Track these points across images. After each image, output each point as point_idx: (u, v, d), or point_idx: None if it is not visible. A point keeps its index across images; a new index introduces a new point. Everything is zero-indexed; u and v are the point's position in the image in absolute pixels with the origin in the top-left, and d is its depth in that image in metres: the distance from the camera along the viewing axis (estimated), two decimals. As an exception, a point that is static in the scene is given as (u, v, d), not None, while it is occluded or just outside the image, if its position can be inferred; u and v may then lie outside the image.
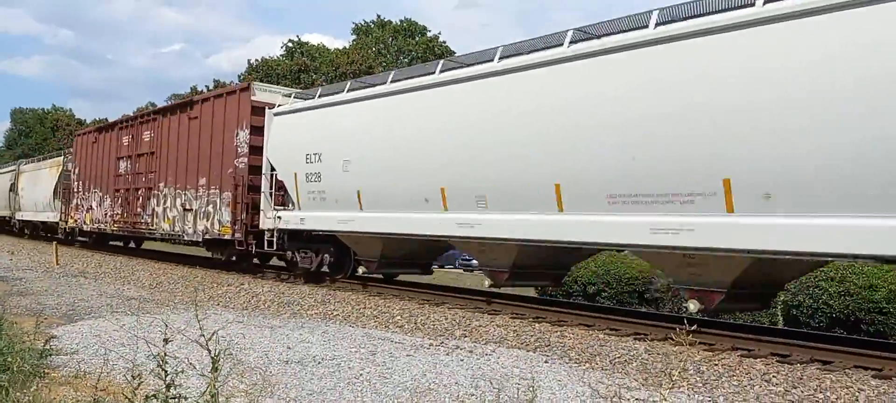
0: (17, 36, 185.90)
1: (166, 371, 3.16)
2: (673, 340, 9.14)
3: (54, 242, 25.42)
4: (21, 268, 19.51)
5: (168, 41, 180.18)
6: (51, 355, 6.88)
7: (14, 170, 38.70)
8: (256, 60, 48.97)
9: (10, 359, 5.09)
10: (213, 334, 3.15)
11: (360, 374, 7.15)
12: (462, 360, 8.03)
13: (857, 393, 6.79)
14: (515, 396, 6.35)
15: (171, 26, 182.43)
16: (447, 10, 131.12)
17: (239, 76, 49.83)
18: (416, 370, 7.41)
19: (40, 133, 78.74)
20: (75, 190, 27.59)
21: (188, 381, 3.70)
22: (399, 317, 11.19)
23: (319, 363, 7.65)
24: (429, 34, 53.08)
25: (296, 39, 53.34)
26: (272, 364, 7.56)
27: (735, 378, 7.42)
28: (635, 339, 9.34)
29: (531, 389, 6.07)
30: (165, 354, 3.25)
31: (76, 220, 27.61)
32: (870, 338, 11.19)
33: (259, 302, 13.18)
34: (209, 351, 3.11)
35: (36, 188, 33.60)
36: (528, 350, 8.87)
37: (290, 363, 7.62)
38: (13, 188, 37.51)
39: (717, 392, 6.92)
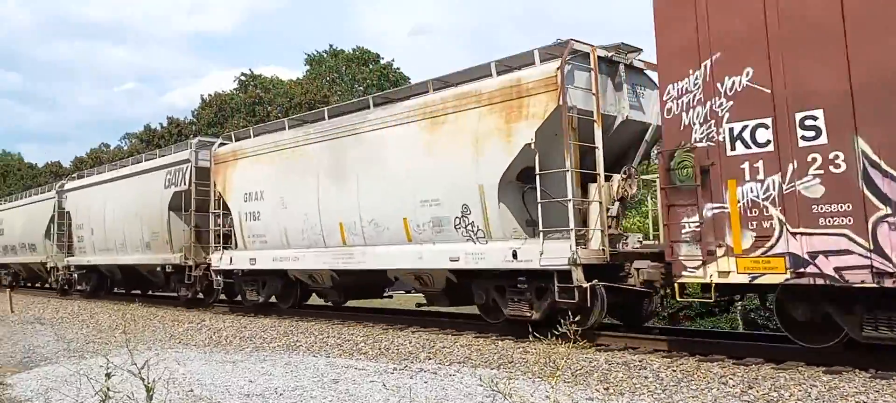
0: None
1: (112, 408, 3.14)
2: (632, 350, 9.30)
3: (8, 289, 24.72)
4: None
5: (119, 80, 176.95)
6: (1, 404, 6.70)
7: None
8: (210, 95, 48.48)
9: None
10: (144, 363, 3.13)
11: (323, 403, 7.11)
12: (426, 382, 8.03)
13: (809, 389, 6.97)
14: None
15: (121, 65, 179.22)
16: (401, 37, 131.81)
17: (193, 112, 49.24)
18: (379, 395, 7.39)
19: (-11, 179, 76.48)
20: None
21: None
22: (363, 344, 11.14)
23: (281, 395, 7.58)
24: (382, 61, 53.27)
25: (249, 72, 53.06)
26: (233, 397, 7.46)
27: (693, 382, 7.57)
28: (596, 350, 9.45)
29: (494, 406, 6.11)
30: (108, 390, 3.22)
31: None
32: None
33: (220, 338, 12.99)
34: (142, 380, 3.08)
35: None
36: (491, 368, 8.91)
37: (250, 396, 7.54)
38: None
39: (677, 397, 7.04)
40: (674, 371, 8.07)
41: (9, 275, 33.33)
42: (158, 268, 19.35)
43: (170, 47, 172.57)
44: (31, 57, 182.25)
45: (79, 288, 25.00)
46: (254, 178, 15.66)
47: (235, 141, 17.14)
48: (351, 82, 50.38)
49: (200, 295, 18.28)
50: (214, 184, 17.17)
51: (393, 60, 54.01)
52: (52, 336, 14.13)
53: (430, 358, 9.84)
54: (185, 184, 18.09)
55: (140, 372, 3.08)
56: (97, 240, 22.69)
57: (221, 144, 17.81)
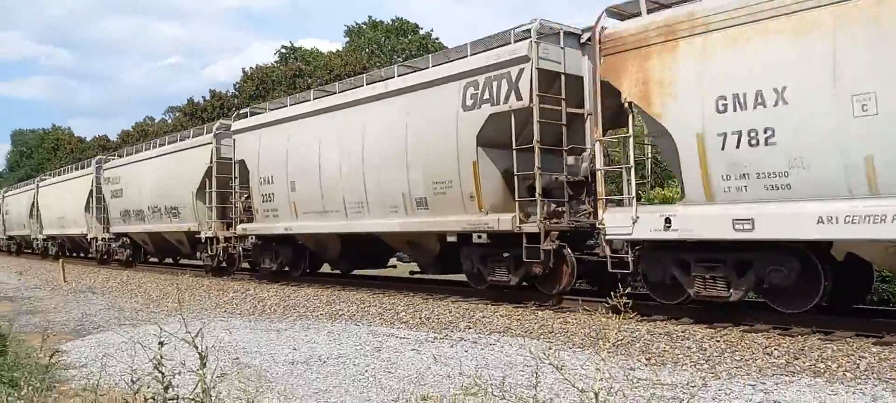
0: (14, 58, 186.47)
1: (163, 374, 3.23)
2: (675, 320, 9.22)
3: (61, 260, 25.58)
4: (30, 287, 19.63)
5: (164, 55, 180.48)
6: (58, 369, 6.96)
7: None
8: (251, 68, 48.98)
9: (16, 375, 5.17)
10: (198, 331, 3.21)
11: (365, 370, 7.22)
12: (466, 351, 8.09)
13: (858, 361, 6.83)
14: (520, 382, 6.41)
15: (166, 40, 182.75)
16: (440, 7, 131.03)
17: (235, 85, 49.87)
18: (420, 363, 7.48)
19: (41, 153, 78.92)
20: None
21: (188, 383, 3.77)
22: (404, 313, 11.26)
23: (324, 362, 7.72)
24: (421, 31, 53.09)
25: (289, 45, 53.44)
26: (278, 365, 7.63)
27: (737, 352, 7.48)
28: (638, 321, 9.39)
29: (535, 375, 6.13)
30: (162, 357, 3.32)
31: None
32: (872, 307, 11.21)
33: (265, 307, 13.26)
34: (196, 348, 3.17)
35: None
36: (531, 338, 8.93)
37: (295, 363, 7.70)
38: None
39: (720, 368, 6.97)
40: (717, 341, 7.98)
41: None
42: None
43: (213, 22, 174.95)
44: (83, 34, 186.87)
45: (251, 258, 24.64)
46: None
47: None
48: (390, 53, 50.37)
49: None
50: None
51: (432, 30, 53.82)
52: (103, 306, 14.59)
53: (469, 328, 9.91)
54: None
55: (194, 340, 3.16)
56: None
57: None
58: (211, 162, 19.10)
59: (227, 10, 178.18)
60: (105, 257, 27.56)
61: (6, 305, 14.75)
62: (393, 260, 16.88)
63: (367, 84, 14.14)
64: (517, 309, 10.97)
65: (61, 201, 31.72)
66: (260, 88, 46.03)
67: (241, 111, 19.29)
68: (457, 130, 11.56)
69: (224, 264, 19.28)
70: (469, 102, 11.41)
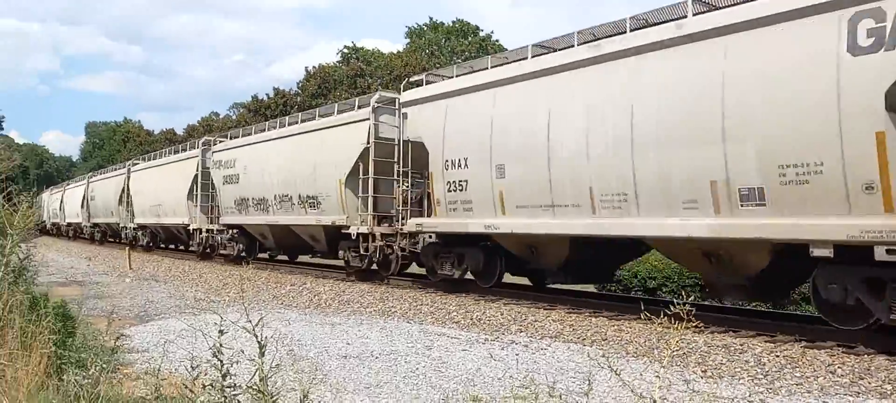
0: (90, 54, 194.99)
1: (222, 362, 3.33)
2: (733, 332, 8.99)
3: (127, 247, 26.51)
4: (97, 273, 20.44)
5: (230, 52, 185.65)
6: (122, 352, 7.24)
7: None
8: (313, 67, 49.88)
9: (83, 356, 5.41)
10: (259, 321, 3.30)
11: (416, 368, 7.27)
12: (517, 354, 8.06)
13: (929, 383, 6.53)
14: (571, 388, 6.36)
15: (232, 38, 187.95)
16: (501, 9, 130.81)
17: (297, 83, 50.88)
18: (470, 364, 7.49)
19: (112, 145, 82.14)
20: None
21: (245, 371, 3.87)
22: (455, 313, 11.29)
23: (376, 357, 7.81)
24: (481, 34, 53.12)
25: (351, 45, 54.21)
26: (331, 358, 7.76)
27: (798, 368, 7.24)
28: (694, 332, 9.18)
29: (587, 382, 6.07)
30: (221, 345, 3.42)
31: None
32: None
33: (320, 301, 13.49)
34: (256, 337, 3.25)
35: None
36: (584, 344, 8.83)
37: (348, 357, 7.81)
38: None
39: (779, 384, 6.76)
40: (777, 356, 7.74)
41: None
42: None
43: (277, 20, 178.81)
44: (152, 31, 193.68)
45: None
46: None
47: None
48: (450, 54, 50.58)
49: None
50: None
51: (492, 32, 53.83)
52: (166, 294, 15.08)
53: (521, 331, 9.87)
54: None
55: (253, 330, 3.25)
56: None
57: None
58: (368, 142, 15.39)
59: (291, 9, 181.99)
60: (208, 251, 24.36)
61: (75, 289, 15.38)
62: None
63: (631, 30, 10.20)
64: (571, 313, 10.87)
65: (158, 187, 28.70)
66: (322, 87, 46.83)
67: (413, 78, 15.94)
68: (837, 84, 7.62)
69: (375, 266, 16.06)
70: (866, 42, 7.45)
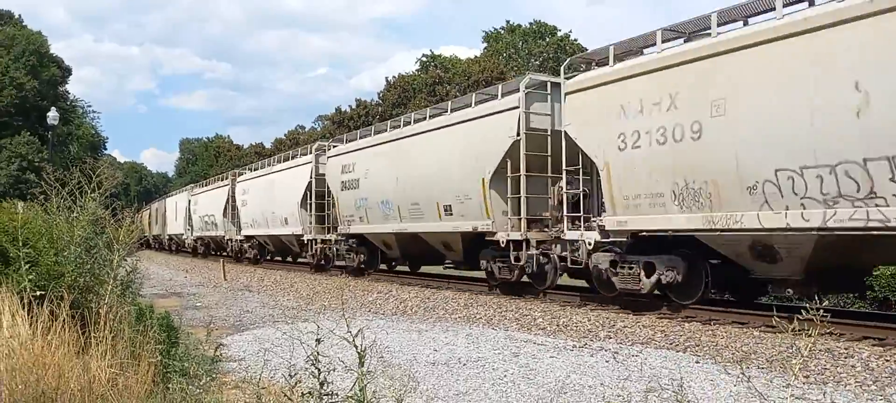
0: (183, 73, 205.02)
1: (319, 370, 3.43)
2: (836, 336, 8.54)
3: (221, 259, 27.52)
4: (194, 284, 21.39)
5: (313, 66, 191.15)
6: (221, 361, 7.53)
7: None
8: (393, 77, 50.70)
9: (187, 365, 5.66)
10: (358, 331, 3.37)
11: (505, 375, 7.25)
12: (607, 361, 7.92)
13: None
14: (664, 396, 6.19)
15: (316, 52, 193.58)
16: (578, 8, 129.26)
17: (378, 93, 51.82)
18: (559, 371, 7.40)
19: (205, 159, 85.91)
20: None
21: (339, 379, 3.97)
22: (541, 319, 11.20)
23: (464, 364, 7.83)
24: (559, 34, 52.64)
25: (429, 53, 54.79)
26: (420, 365, 7.83)
27: (911, 375, 6.81)
28: (794, 335, 8.77)
29: (681, 388, 5.90)
30: (318, 354, 3.52)
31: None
32: None
33: (406, 308, 13.65)
34: (356, 347, 3.33)
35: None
36: (677, 351, 8.59)
37: (436, 364, 7.87)
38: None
39: (890, 390, 6.38)
40: (887, 360, 7.30)
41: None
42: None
43: (358, 33, 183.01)
44: (241, 48, 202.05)
45: None
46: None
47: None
48: (527, 57, 50.38)
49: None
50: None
51: (570, 31, 53.28)
52: (259, 303, 15.61)
53: (609, 337, 9.69)
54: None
55: (353, 340, 3.33)
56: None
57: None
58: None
59: (371, 20, 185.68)
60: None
61: (174, 300, 16.13)
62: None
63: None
64: (661, 318, 10.59)
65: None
66: (402, 96, 47.51)
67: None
68: None
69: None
70: None
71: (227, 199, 32.85)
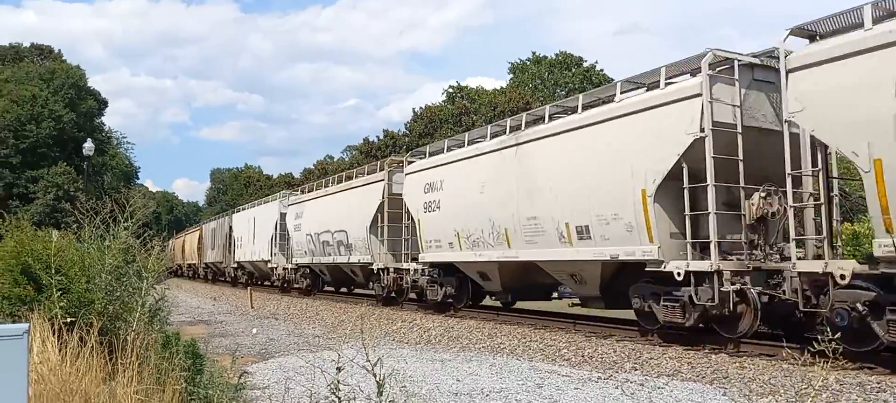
0: (216, 105, 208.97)
1: (339, 399, 3.46)
2: (868, 370, 8.35)
3: (249, 287, 27.73)
4: (222, 312, 21.58)
5: (343, 98, 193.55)
6: (245, 389, 7.59)
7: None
8: (420, 108, 51.12)
9: (211, 392, 5.73)
10: (377, 360, 3.40)
11: (527, 406, 7.20)
12: (633, 394, 7.83)
13: None
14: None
15: (345, 84, 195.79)
16: (605, 38, 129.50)
17: (405, 124, 52.26)
18: None
19: (235, 189, 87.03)
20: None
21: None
22: (565, 350, 11.11)
23: (487, 395, 7.79)
24: (585, 64, 52.76)
25: (456, 84, 55.23)
26: (442, 395, 7.81)
27: (946, 411, 6.63)
28: (823, 368, 8.59)
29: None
30: (338, 382, 3.55)
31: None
32: None
33: (430, 337, 13.63)
34: (375, 376, 3.36)
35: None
36: (704, 383, 8.47)
37: (459, 395, 7.84)
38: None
39: (924, 427, 6.21)
40: (921, 396, 7.12)
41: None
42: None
43: (386, 65, 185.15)
44: (272, 81, 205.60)
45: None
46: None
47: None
48: (553, 87, 50.51)
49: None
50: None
51: (596, 62, 53.39)
52: (285, 331, 15.69)
53: (635, 369, 9.58)
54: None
55: (372, 369, 3.37)
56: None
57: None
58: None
59: (399, 52, 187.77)
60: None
61: (202, 328, 16.29)
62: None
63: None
64: (688, 350, 10.45)
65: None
66: (429, 127, 47.84)
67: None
68: None
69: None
70: None
71: (276, 224, 29.67)
